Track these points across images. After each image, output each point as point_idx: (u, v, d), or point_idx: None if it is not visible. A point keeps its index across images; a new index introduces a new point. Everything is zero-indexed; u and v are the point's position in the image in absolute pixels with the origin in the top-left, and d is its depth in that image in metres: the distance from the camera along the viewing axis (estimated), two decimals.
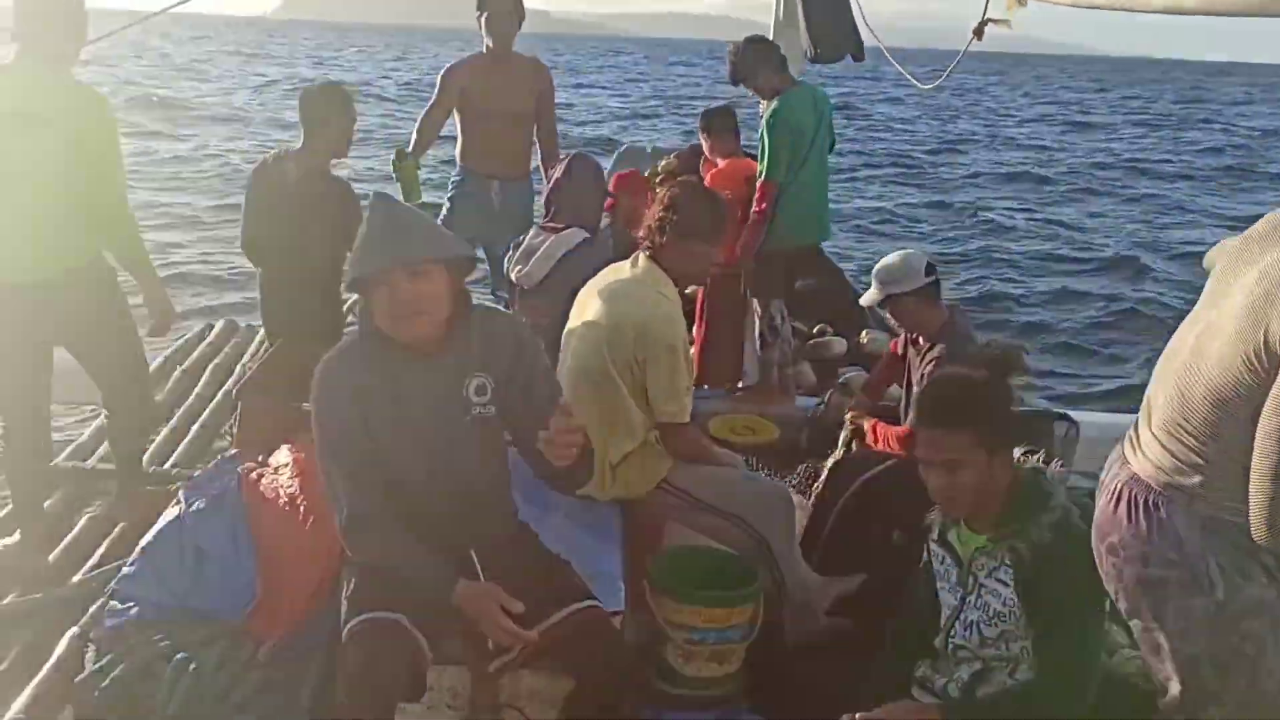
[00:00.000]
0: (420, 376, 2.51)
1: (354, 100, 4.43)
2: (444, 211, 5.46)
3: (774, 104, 4.99)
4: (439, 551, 2.50)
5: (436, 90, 5.43)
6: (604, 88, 52.49)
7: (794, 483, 4.43)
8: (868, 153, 27.92)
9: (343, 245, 4.26)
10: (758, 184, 5.00)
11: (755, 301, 5.33)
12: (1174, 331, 2.17)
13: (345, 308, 4.63)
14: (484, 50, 5.40)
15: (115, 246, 3.80)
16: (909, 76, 4.24)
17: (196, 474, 3.72)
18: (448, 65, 5.50)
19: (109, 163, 3.65)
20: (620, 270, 3.53)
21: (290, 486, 3.30)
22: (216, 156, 20.98)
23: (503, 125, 5.38)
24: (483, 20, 5.31)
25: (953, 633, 2.57)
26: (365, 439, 2.49)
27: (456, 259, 2.50)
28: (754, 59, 5.03)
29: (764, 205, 4.97)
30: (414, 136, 5.39)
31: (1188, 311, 2.15)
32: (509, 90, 5.37)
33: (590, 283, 3.60)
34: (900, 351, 4.17)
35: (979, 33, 3.04)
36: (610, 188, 5.12)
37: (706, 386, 5.51)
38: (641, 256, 3.47)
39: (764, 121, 4.99)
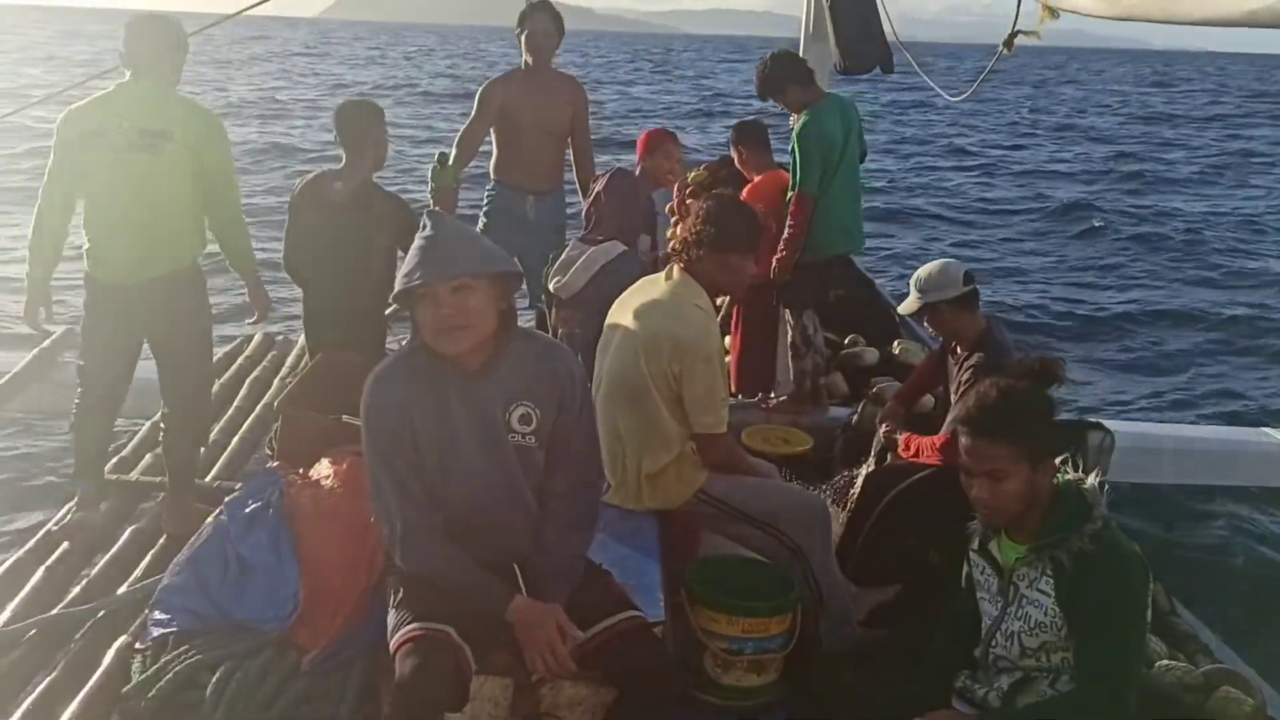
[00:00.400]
0: (464, 395, 2.54)
1: (382, 112, 4.52)
2: (479, 225, 5.52)
3: (804, 117, 5.02)
4: (484, 565, 2.53)
5: (476, 106, 5.48)
6: (643, 83, 52.50)
7: (828, 493, 4.43)
8: (949, 150, 27.79)
9: (390, 261, 4.32)
10: (791, 197, 5.02)
11: (787, 312, 5.35)
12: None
13: (387, 313, 4.67)
14: (522, 66, 5.46)
15: (229, 250, 4.13)
16: (936, 88, 4.25)
17: (238, 486, 3.77)
18: (486, 82, 5.56)
19: (226, 175, 3.99)
20: (655, 282, 3.55)
21: (331, 498, 3.34)
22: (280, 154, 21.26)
23: (539, 140, 5.44)
24: (523, 38, 5.37)
25: (993, 643, 2.58)
26: (412, 451, 2.53)
27: (500, 274, 2.52)
28: (780, 74, 5.07)
29: (800, 219, 4.99)
30: (454, 152, 5.46)
31: None
32: (546, 106, 5.42)
33: (624, 295, 3.62)
34: (938, 361, 4.17)
35: (1009, 44, 3.04)
36: (638, 149, 5.21)
37: (740, 397, 5.53)
38: (676, 269, 3.49)
39: (794, 135, 5.02)
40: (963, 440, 2.51)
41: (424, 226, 2.48)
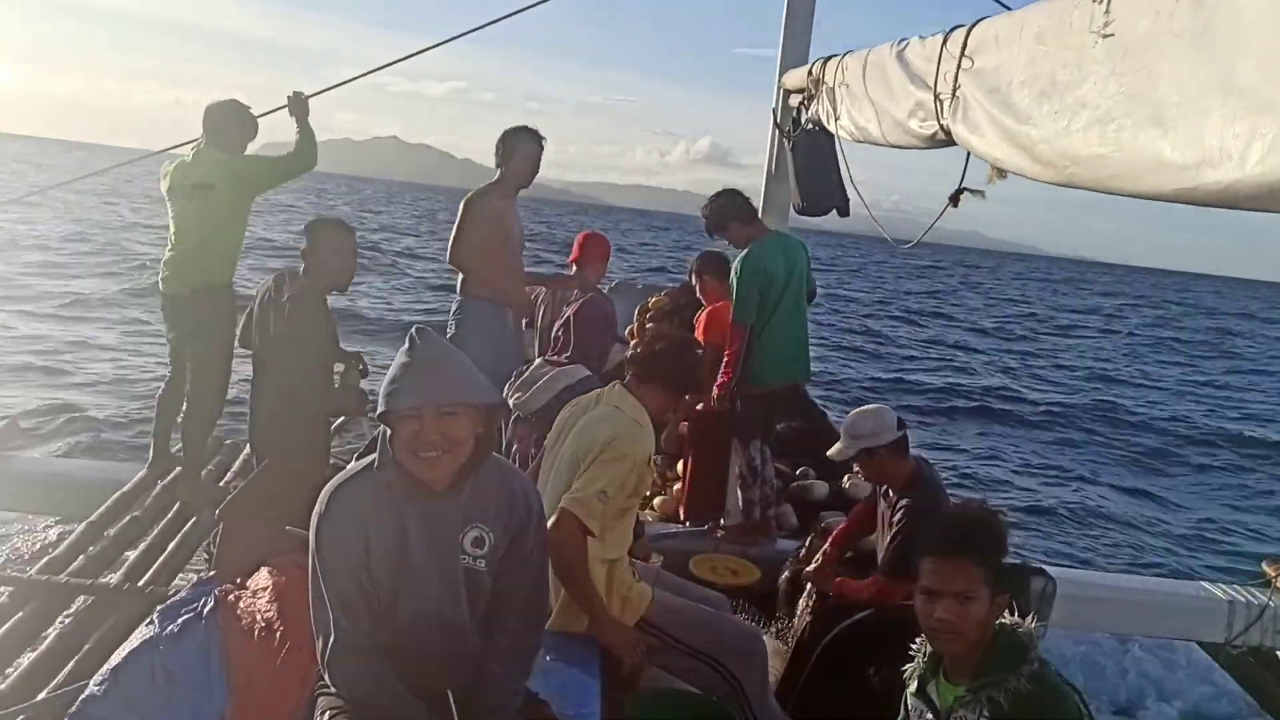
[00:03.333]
0: (423, 515, 2.50)
1: (354, 237, 4.56)
2: (466, 343, 5.45)
3: (744, 251, 5.20)
4: (417, 690, 2.48)
5: (471, 216, 5.41)
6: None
7: (775, 627, 4.42)
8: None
9: (324, 370, 4.34)
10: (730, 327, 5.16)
11: (736, 441, 5.39)
12: None
13: (332, 430, 4.66)
14: (507, 179, 5.47)
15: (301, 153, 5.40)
16: (887, 235, 4.42)
17: (172, 592, 3.69)
18: (475, 193, 5.50)
19: (272, 165, 5.32)
20: (594, 397, 3.64)
21: (268, 611, 3.26)
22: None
23: (518, 251, 5.53)
24: (517, 158, 5.42)
25: None
26: (363, 568, 2.47)
27: (488, 404, 2.53)
28: (723, 212, 5.29)
29: (735, 347, 5.15)
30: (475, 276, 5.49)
31: None
32: (520, 218, 5.54)
33: (570, 414, 3.66)
34: (870, 507, 4.24)
35: (955, 200, 3.16)
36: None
37: (689, 524, 5.53)
38: (618, 384, 3.59)
39: (734, 268, 5.21)
40: (930, 561, 2.52)
41: (411, 344, 2.44)
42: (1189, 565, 8.72)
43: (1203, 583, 5.11)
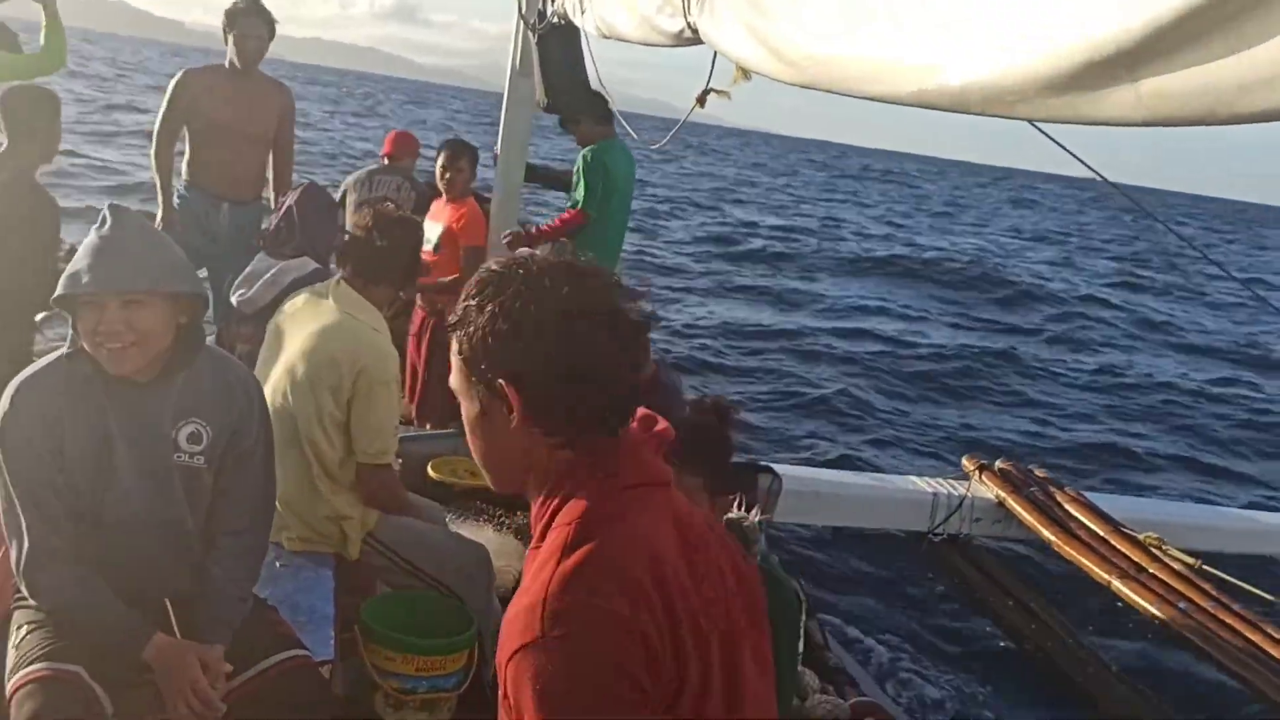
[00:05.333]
0: (127, 408, 2.30)
1: (59, 102, 4.17)
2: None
3: (597, 145, 5.36)
4: (130, 598, 2.30)
5: (166, 103, 5.09)
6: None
7: (515, 526, 4.42)
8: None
9: (40, 261, 3.95)
10: (570, 209, 5.35)
11: None
12: None
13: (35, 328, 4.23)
14: (226, 64, 5.13)
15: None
16: (634, 135, 4.41)
17: None
18: (181, 72, 5.19)
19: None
20: (321, 302, 3.29)
21: None
22: None
23: (241, 145, 5.12)
24: (230, 38, 5.05)
25: None
26: (57, 470, 2.26)
27: (183, 294, 2.30)
28: (583, 104, 5.19)
29: (561, 225, 5.30)
30: (154, 175, 5.13)
31: None
32: (251, 108, 5.13)
33: (288, 317, 3.38)
34: None
35: (701, 101, 3.17)
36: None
37: (429, 426, 5.42)
38: (342, 283, 3.29)
39: (582, 157, 5.34)
40: None
41: (102, 222, 2.21)
42: (907, 463, 9.40)
43: (911, 477, 5.53)
